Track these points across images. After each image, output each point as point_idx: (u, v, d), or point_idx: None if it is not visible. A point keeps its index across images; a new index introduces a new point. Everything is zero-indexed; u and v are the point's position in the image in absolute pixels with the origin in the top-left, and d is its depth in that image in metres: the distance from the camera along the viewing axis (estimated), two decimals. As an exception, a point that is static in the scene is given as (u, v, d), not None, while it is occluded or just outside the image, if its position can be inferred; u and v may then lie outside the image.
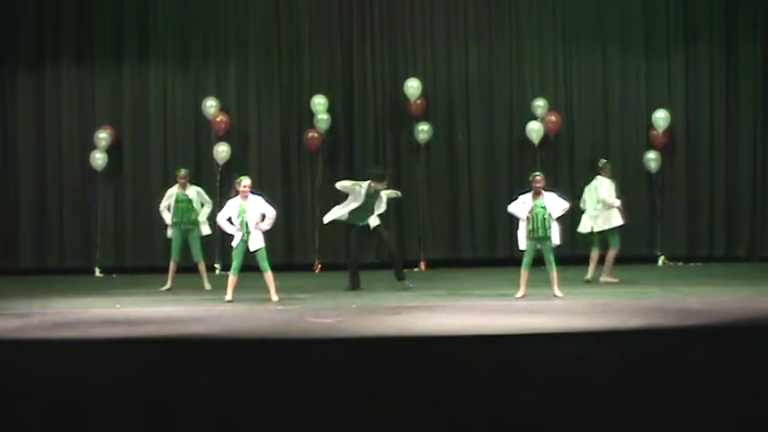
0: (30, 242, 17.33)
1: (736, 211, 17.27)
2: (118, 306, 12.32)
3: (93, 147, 17.01)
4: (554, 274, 12.43)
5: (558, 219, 12.49)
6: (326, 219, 13.96)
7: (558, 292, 12.37)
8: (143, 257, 17.22)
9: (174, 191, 14.41)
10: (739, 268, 16.08)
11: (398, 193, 14.32)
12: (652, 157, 17.02)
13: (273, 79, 17.50)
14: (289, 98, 17.50)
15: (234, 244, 12.58)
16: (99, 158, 16.98)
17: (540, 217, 12.39)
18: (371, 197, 13.62)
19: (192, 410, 6.76)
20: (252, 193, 12.56)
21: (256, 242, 12.45)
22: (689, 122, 17.37)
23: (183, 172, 14.53)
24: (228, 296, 12.50)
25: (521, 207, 12.53)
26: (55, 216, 17.36)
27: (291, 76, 17.51)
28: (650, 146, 17.16)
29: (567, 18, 17.48)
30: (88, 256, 17.20)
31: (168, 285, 14.15)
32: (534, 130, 17.04)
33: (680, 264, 16.99)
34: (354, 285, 13.79)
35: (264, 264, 12.51)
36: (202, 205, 14.44)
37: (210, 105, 17.06)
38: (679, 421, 6.63)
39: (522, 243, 12.53)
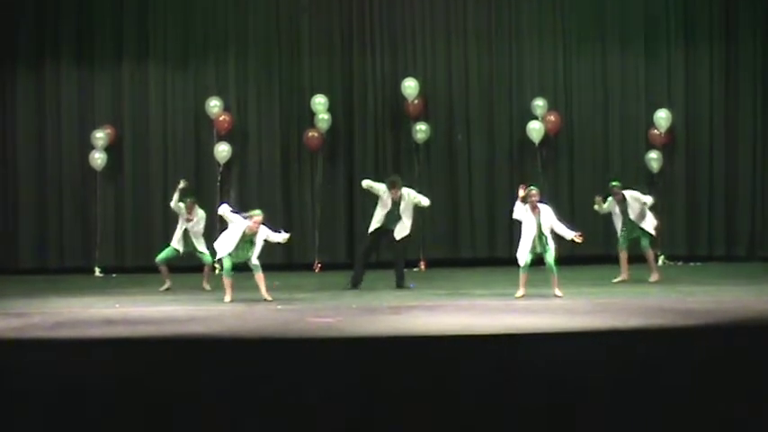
0: (30, 242, 17.33)
1: (736, 211, 17.27)
2: (117, 306, 12.33)
3: (92, 147, 17.00)
4: (554, 277, 12.46)
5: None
6: (371, 229, 14.01)
7: (557, 291, 12.38)
8: (143, 257, 17.18)
9: (182, 224, 14.26)
10: (739, 268, 16.07)
11: (424, 202, 14.05)
12: (654, 157, 17.02)
13: (273, 79, 17.49)
14: (288, 98, 17.50)
15: (220, 255, 12.66)
16: (98, 158, 16.98)
17: (537, 234, 12.46)
18: (396, 204, 13.80)
19: (192, 410, 6.76)
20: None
21: (255, 259, 12.64)
22: (688, 122, 17.37)
23: (189, 202, 14.26)
24: (228, 297, 12.51)
25: (525, 216, 12.57)
26: (55, 216, 17.36)
27: (291, 75, 17.50)
28: (650, 145, 17.15)
29: (566, 17, 17.47)
30: (88, 256, 17.20)
31: (167, 285, 14.11)
32: (535, 129, 17.03)
33: (680, 263, 17.00)
34: (355, 284, 13.83)
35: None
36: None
37: (214, 105, 17.06)
38: (679, 421, 6.63)
39: (522, 260, 12.52)
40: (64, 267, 17.19)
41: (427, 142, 17.28)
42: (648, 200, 14.25)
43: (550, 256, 12.46)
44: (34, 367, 7.61)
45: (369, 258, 14.21)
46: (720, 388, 6.92)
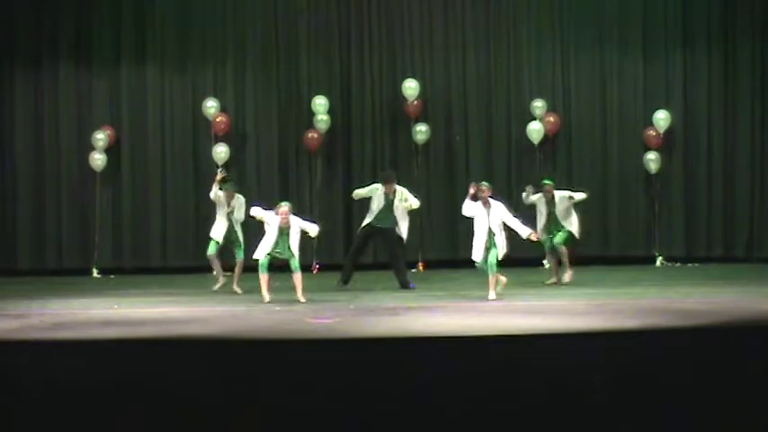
0: (28, 243, 17.31)
1: (735, 212, 17.26)
2: (116, 307, 12.33)
3: (92, 148, 17.00)
4: (492, 277, 12.41)
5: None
6: (364, 223, 14.10)
7: (492, 294, 12.36)
8: (140, 258, 17.22)
9: (222, 214, 14.01)
10: (737, 269, 16.07)
11: (414, 203, 14.06)
12: (652, 158, 17.01)
13: (271, 80, 17.48)
14: (287, 99, 17.49)
15: (257, 256, 12.57)
16: (98, 159, 16.97)
17: (487, 230, 12.45)
18: (390, 200, 13.89)
19: (192, 410, 6.77)
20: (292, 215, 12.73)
21: (296, 251, 12.66)
22: (687, 123, 17.36)
23: (228, 189, 14.07)
24: (267, 297, 12.49)
25: (476, 212, 12.54)
26: (53, 217, 17.33)
27: (289, 77, 17.49)
28: (649, 147, 17.14)
29: (565, 18, 17.46)
30: (86, 257, 17.19)
31: (221, 282, 13.82)
32: (535, 130, 17.03)
33: (678, 264, 16.98)
34: (345, 281, 13.85)
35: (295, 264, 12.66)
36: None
37: (211, 106, 17.06)
38: (678, 422, 6.64)
39: (479, 254, 12.50)
40: (62, 268, 17.17)
41: (426, 143, 17.27)
42: (579, 196, 14.23)
43: (494, 256, 12.39)
44: (33, 368, 7.62)
45: (358, 257, 14.27)
46: (719, 388, 6.93)
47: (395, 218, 13.93)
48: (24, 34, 17.35)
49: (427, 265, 16.99)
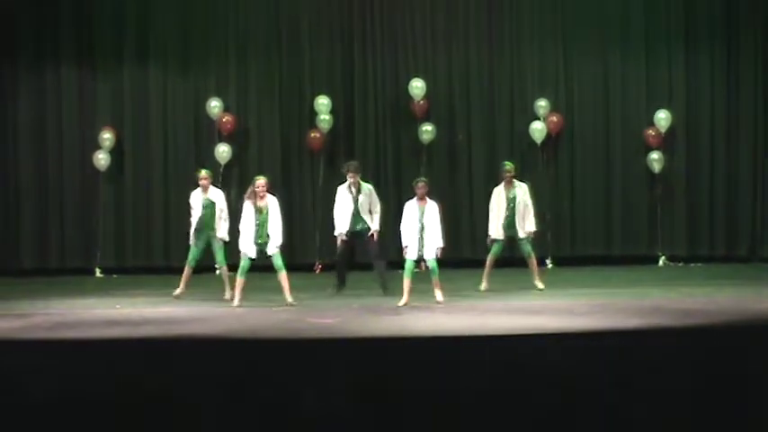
0: (31, 243, 17.35)
1: (737, 212, 17.26)
2: (118, 306, 12.35)
3: (95, 148, 17.02)
4: (435, 279, 12.23)
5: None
6: (341, 232, 13.53)
7: (439, 296, 12.17)
8: (143, 258, 17.24)
9: (198, 195, 13.50)
10: (740, 269, 16.07)
11: (375, 219, 13.44)
12: (655, 158, 17.00)
13: (274, 80, 17.49)
14: (289, 99, 17.50)
15: (244, 250, 12.33)
16: (102, 159, 16.99)
17: (420, 228, 12.26)
18: (355, 198, 13.35)
19: (193, 411, 6.78)
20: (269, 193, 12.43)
21: (274, 244, 12.34)
22: (689, 123, 17.36)
23: (203, 173, 13.61)
24: (237, 301, 12.34)
25: (409, 222, 12.30)
26: (56, 217, 17.36)
27: (292, 76, 17.51)
28: (652, 146, 17.14)
29: (567, 18, 17.46)
30: (89, 257, 17.21)
31: (181, 289, 13.30)
32: (537, 129, 17.03)
33: (680, 264, 16.97)
34: (338, 287, 13.58)
35: (279, 262, 12.39)
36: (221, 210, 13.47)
37: (215, 106, 17.08)
38: (679, 422, 6.64)
39: (413, 253, 12.25)
40: (65, 268, 17.20)
41: (430, 143, 17.27)
42: (529, 226, 13.67)
43: (432, 259, 12.21)
44: (35, 368, 7.64)
45: (345, 266, 13.69)
46: (720, 389, 6.93)
47: (363, 218, 13.37)
48: (27, 35, 17.37)
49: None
